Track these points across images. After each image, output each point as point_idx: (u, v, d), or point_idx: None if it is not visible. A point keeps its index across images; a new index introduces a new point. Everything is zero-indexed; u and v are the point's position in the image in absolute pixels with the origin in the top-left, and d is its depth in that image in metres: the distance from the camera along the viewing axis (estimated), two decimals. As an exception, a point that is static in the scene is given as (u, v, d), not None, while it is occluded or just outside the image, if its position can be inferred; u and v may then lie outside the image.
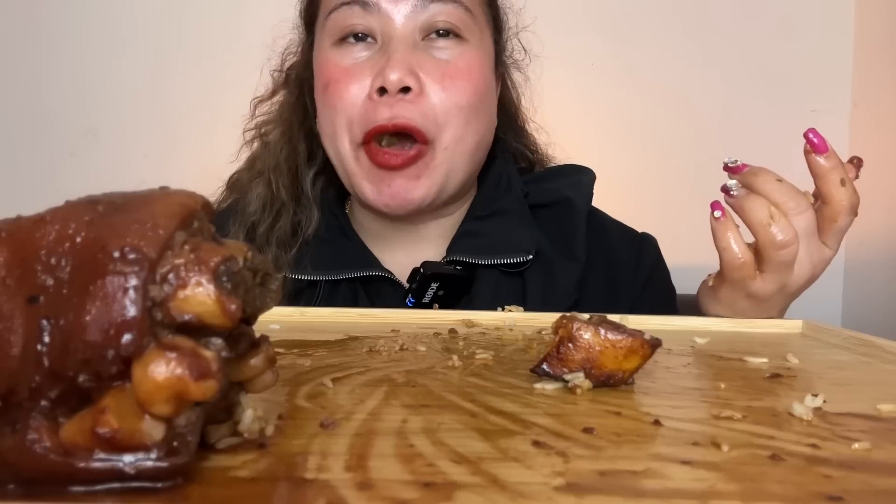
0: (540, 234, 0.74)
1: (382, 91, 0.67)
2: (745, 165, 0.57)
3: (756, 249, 0.57)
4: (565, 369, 0.34)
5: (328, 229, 0.78)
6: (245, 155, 0.86)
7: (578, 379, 0.33)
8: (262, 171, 0.80)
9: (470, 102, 0.70)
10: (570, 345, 0.33)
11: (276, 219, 0.77)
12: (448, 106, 0.68)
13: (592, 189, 0.80)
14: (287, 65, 0.84)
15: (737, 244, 0.57)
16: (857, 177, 0.56)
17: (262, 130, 0.85)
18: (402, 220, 0.75)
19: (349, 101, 0.68)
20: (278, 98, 0.85)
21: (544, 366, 0.34)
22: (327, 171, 0.80)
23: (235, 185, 0.85)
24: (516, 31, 0.82)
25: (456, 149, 0.70)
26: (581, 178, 0.80)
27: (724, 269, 0.58)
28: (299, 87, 0.81)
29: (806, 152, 0.55)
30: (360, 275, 0.73)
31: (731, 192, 0.57)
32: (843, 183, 0.54)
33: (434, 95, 0.68)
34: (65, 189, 0.34)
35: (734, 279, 0.58)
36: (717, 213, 0.57)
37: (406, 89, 0.66)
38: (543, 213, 0.77)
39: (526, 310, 0.60)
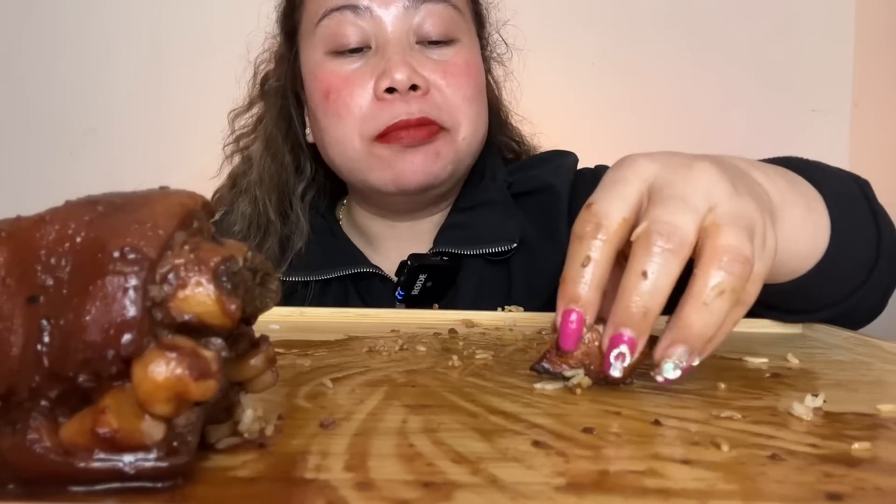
0: (526, 221, 0.75)
1: (391, 91, 0.67)
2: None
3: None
4: (565, 366, 0.34)
5: (317, 231, 0.79)
6: (227, 170, 0.86)
7: (578, 376, 0.33)
8: (247, 188, 0.80)
9: (474, 95, 0.71)
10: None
11: (263, 238, 0.77)
12: (457, 101, 0.70)
13: (575, 170, 0.80)
14: (260, 76, 0.83)
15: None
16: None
17: (241, 144, 0.84)
18: (405, 213, 0.75)
19: (355, 106, 0.69)
20: (256, 111, 0.84)
21: (544, 363, 0.34)
22: (317, 182, 0.81)
23: (219, 202, 0.84)
24: (497, 26, 0.83)
25: (472, 139, 0.72)
26: (563, 162, 0.80)
27: None
28: (282, 98, 0.80)
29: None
30: (351, 272, 0.74)
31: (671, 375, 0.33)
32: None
33: (439, 93, 0.69)
34: (64, 189, 0.34)
35: None
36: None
37: (414, 87, 0.67)
38: (527, 201, 0.77)
39: (513, 298, 0.60)
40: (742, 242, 0.32)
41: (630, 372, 0.33)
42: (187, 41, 1.37)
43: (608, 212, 0.33)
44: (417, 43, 0.70)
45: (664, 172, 0.34)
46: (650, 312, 0.31)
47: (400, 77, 0.66)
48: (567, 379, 0.34)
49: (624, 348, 0.31)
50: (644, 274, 0.31)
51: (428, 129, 0.68)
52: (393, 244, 0.78)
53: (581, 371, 0.33)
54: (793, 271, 0.47)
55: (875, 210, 0.52)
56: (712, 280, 0.31)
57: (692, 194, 0.33)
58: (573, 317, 0.32)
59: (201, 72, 1.36)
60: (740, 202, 0.34)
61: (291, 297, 0.74)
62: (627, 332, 0.31)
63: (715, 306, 0.31)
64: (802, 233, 0.45)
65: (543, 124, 0.90)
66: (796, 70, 1.37)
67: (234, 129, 0.85)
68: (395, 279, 0.72)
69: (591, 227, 0.33)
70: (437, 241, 0.74)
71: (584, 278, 0.32)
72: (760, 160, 0.49)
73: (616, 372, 0.31)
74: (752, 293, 0.34)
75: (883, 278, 0.51)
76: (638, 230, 0.32)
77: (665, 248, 0.31)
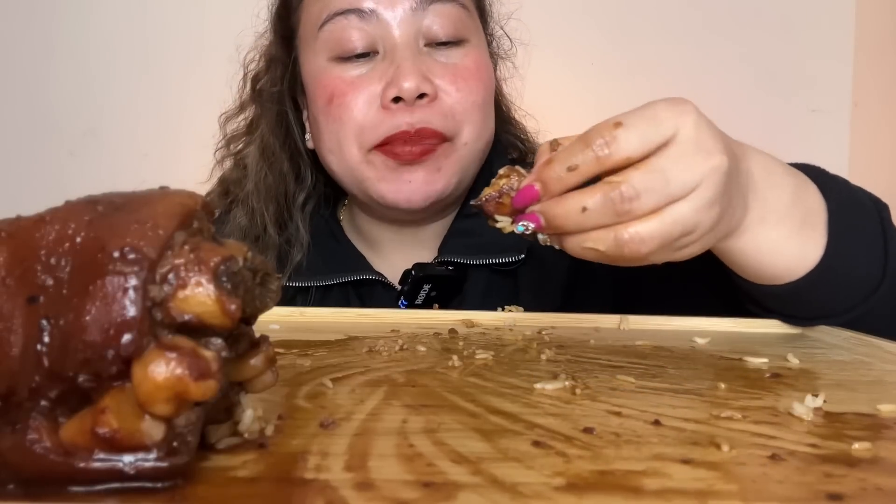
0: None
1: (397, 100, 0.65)
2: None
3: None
4: (498, 215, 0.39)
5: (317, 234, 0.77)
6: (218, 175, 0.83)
7: (506, 222, 0.38)
8: (244, 199, 0.77)
9: (484, 99, 0.70)
10: (510, 193, 0.38)
11: (261, 251, 0.75)
12: (465, 105, 0.68)
13: None
14: (251, 76, 0.81)
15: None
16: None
17: (232, 148, 0.82)
18: (409, 222, 0.74)
19: (358, 112, 0.67)
20: (248, 113, 0.82)
21: (483, 203, 0.39)
22: (318, 190, 0.79)
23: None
24: (500, 21, 0.82)
25: (475, 145, 0.70)
26: None
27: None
28: (278, 104, 0.77)
29: None
30: (353, 279, 0.73)
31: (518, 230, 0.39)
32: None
33: (448, 97, 0.67)
34: (64, 189, 0.34)
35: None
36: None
37: (422, 95, 0.65)
38: None
39: (524, 309, 0.60)
40: (651, 238, 0.36)
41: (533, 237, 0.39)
42: (187, 41, 1.37)
43: (623, 143, 0.35)
44: (426, 45, 0.68)
45: (689, 144, 0.36)
46: (559, 229, 0.37)
47: (409, 86, 0.64)
48: (497, 222, 0.39)
49: (531, 225, 0.37)
50: (584, 209, 0.35)
51: (423, 147, 0.66)
52: (396, 249, 0.76)
53: (510, 220, 0.38)
54: (775, 276, 0.48)
55: (886, 232, 0.51)
56: (603, 237, 0.36)
57: (680, 180, 0.36)
58: (533, 192, 0.37)
59: (201, 72, 1.36)
60: (705, 214, 0.37)
61: (291, 302, 0.72)
62: (542, 220, 0.37)
63: (587, 251, 0.37)
64: (787, 245, 0.46)
65: (548, 120, 0.89)
66: (796, 70, 1.37)
67: (225, 133, 0.83)
68: (398, 287, 0.71)
69: (601, 144, 0.36)
70: (442, 249, 0.72)
71: (562, 176, 0.36)
72: (790, 164, 0.49)
73: (517, 230, 0.38)
74: (628, 265, 0.39)
75: (889, 300, 0.50)
76: (613, 177, 0.35)
77: (616, 204, 0.35)
